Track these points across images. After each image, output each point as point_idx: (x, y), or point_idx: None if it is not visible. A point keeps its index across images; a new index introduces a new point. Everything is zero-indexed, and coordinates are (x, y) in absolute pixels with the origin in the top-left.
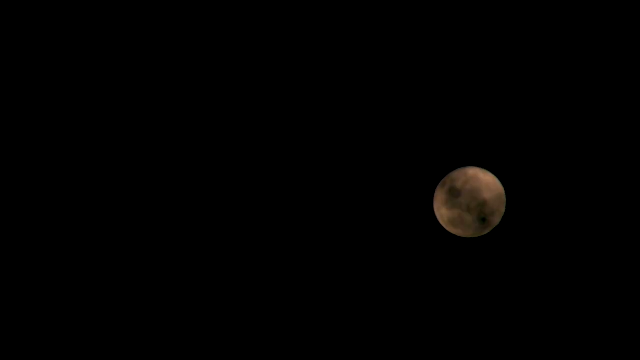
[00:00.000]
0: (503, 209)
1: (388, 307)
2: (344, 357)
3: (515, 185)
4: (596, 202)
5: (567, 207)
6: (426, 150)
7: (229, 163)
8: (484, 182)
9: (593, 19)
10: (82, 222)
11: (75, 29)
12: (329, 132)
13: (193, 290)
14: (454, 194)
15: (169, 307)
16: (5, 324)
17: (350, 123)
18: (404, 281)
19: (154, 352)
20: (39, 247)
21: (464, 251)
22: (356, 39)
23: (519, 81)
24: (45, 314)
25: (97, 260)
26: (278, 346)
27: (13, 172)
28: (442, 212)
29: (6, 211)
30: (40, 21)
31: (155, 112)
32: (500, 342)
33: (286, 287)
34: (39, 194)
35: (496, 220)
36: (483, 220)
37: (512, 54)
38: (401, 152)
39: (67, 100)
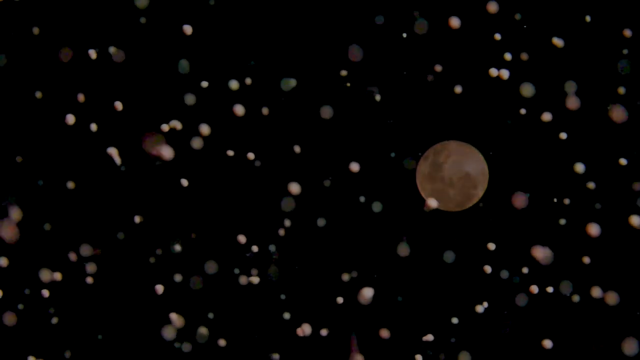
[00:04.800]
0: (486, 183)
1: (369, 282)
2: (332, 336)
3: (498, 159)
4: (580, 176)
5: (549, 182)
6: (407, 123)
7: (211, 154)
8: (467, 155)
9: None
10: (79, 221)
11: (73, 28)
12: (306, 110)
13: (190, 290)
14: (436, 167)
15: (167, 307)
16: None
17: (330, 99)
18: (385, 255)
19: (153, 351)
20: (36, 245)
21: (445, 225)
22: (332, 19)
23: (501, 56)
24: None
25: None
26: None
27: (12, 171)
28: (425, 185)
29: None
30: (39, 21)
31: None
32: (481, 317)
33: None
34: (37, 193)
35: (479, 194)
36: None
37: (493, 30)
38: (383, 125)
39: (62, 100)
